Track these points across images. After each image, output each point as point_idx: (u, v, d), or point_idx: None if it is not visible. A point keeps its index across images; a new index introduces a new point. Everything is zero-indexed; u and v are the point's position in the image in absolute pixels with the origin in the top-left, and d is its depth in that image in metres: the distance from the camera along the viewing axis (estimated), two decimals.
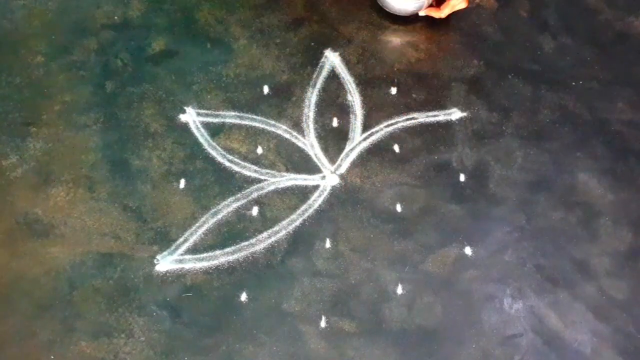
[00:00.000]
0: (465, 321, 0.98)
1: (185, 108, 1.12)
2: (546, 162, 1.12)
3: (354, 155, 1.10)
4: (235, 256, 1.00)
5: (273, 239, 1.02)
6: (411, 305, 0.98)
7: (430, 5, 1.20)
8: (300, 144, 1.10)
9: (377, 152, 1.11)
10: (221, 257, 1.00)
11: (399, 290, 0.99)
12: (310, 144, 1.11)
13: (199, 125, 1.11)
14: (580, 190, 1.10)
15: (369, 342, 0.95)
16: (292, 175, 1.08)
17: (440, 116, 1.15)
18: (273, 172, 1.08)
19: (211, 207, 1.04)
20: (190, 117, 1.12)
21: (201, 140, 1.10)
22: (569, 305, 1.00)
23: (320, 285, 0.99)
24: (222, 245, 1.01)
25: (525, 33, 1.25)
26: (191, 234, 1.01)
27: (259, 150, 1.09)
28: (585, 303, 1.00)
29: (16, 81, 1.13)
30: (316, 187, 1.07)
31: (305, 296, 0.98)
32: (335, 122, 1.13)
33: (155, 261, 0.99)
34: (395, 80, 1.18)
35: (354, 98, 1.15)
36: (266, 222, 1.03)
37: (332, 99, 1.16)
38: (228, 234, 1.02)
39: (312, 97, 1.15)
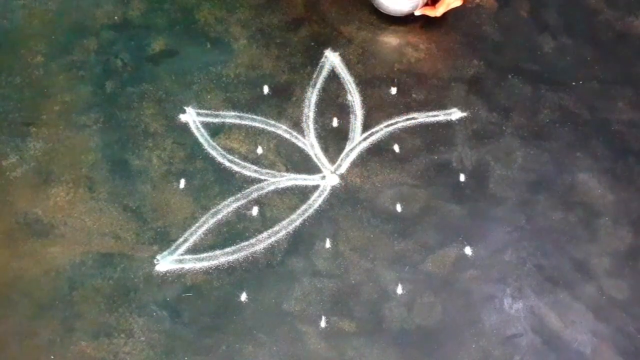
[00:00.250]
0: (465, 321, 0.98)
1: (185, 108, 1.12)
2: (546, 162, 1.12)
3: (354, 155, 1.10)
4: (235, 256, 1.00)
5: (273, 239, 1.02)
6: (411, 305, 0.98)
7: (426, 4, 1.19)
8: (300, 144, 1.10)
9: (377, 152, 1.11)
10: (221, 257, 1.00)
11: (399, 290, 0.99)
12: (310, 144, 1.11)
13: (199, 125, 1.11)
14: (580, 190, 1.10)
15: (369, 342, 0.95)
16: (292, 175, 1.08)
17: (440, 116, 1.15)
18: (273, 172, 1.08)
19: (211, 207, 1.04)
20: (190, 117, 1.12)
21: (201, 140, 1.10)
22: (569, 305, 1.00)
23: (320, 285, 0.99)
24: (222, 245, 1.01)
25: (525, 33, 1.25)
26: (191, 234, 1.01)
27: (259, 150, 1.09)
28: (585, 303, 1.00)
29: (16, 81, 1.13)
30: (316, 187, 1.07)
31: (305, 296, 0.98)
32: (335, 122, 1.13)
33: (155, 261, 0.99)
34: (395, 80, 1.18)
35: (354, 98, 1.15)
36: (266, 222, 1.03)
37: (332, 99, 1.16)
38: (228, 234, 1.02)
39: (312, 97, 1.15)
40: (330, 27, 1.22)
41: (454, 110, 1.15)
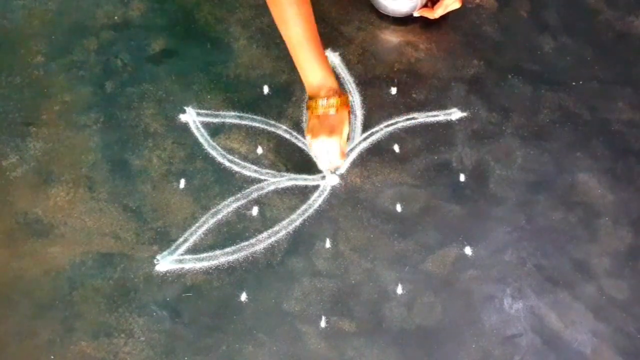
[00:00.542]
0: (465, 321, 0.98)
1: (185, 108, 1.12)
2: (546, 162, 1.12)
3: (354, 155, 1.10)
4: (235, 256, 1.00)
5: (273, 239, 1.02)
6: (411, 305, 0.98)
7: (425, 6, 1.20)
8: (300, 144, 1.10)
9: (377, 152, 1.11)
10: (221, 257, 1.00)
11: (399, 290, 0.99)
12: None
13: (199, 125, 1.11)
14: (580, 190, 1.10)
15: (369, 342, 0.95)
16: (292, 175, 1.08)
17: (440, 116, 1.15)
18: (273, 172, 1.08)
19: (211, 207, 1.04)
20: (190, 117, 1.12)
21: (201, 140, 1.10)
22: (569, 305, 1.00)
23: (320, 285, 0.99)
24: (222, 245, 1.01)
25: (525, 33, 1.25)
26: (191, 234, 1.01)
27: (259, 150, 1.09)
28: (585, 303, 1.00)
29: (16, 81, 1.13)
30: (316, 187, 1.07)
31: (305, 296, 0.98)
32: None
33: (155, 261, 0.99)
34: (395, 80, 1.18)
35: (354, 98, 1.15)
36: (266, 222, 1.03)
37: None
38: (228, 234, 1.02)
39: None
40: (330, 27, 1.22)
41: (454, 110, 1.15)
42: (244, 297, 0.97)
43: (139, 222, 1.02)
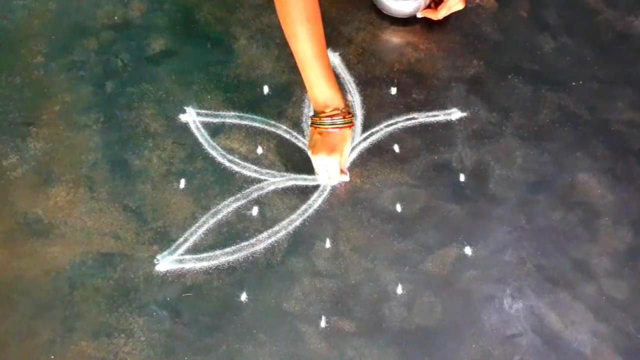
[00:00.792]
0: (465, 321, 0.98)
1: (185, 108, 1.12)
2: (546, 162, 1.12)
3: (354, 155, 1.10)
4: (235, 256, 1.00)
5: (273, 239, 1.02)
6: (411, 305, 0.98)
7: (428, 7, 1.20)
8: (300, 144, 1.10)
9: (377, 152, 1.11)
10: (221, 257, 1.00)
11: (399, 290, 0.99)
12: None
13: (199, 125, 1.11)
14: (580, 190, 1.10)
15: (369, 342, 0.95)
16: (292, 175, 1.08)
17: (440, 116, 1.15)
18: (273, 172, 1.08)
19: (211, 207, 1.04)
20: (190, 117, 1.12)
21: (201, 140, 1.10)
22: (569, 305, 1.00)
23: (320, 285, 0.99)
24: (222, 245, 1.01)
25: (525, 33, 1.25)
26: (191, 234, 1.01)
27: (259, 150, 1.09)
28: (585, 303, 1.00)
29: (16, 81, 1.13)
30: (316, 187, 1.07)
31: (305, 296, 0.98)
32: None
33: (155, 261, 0.99)
34: (395, 80, 1.18)
35: (354, 98, 1.15)
36: (266, 222, 1.03)
37: None
38: (228, 234, 1.02)
39: None
40: (330, 27, 1.22)
41: (454, 110, 1.15)
42: (244, 297, 0.97)
43: (139, 222, 1.02)
